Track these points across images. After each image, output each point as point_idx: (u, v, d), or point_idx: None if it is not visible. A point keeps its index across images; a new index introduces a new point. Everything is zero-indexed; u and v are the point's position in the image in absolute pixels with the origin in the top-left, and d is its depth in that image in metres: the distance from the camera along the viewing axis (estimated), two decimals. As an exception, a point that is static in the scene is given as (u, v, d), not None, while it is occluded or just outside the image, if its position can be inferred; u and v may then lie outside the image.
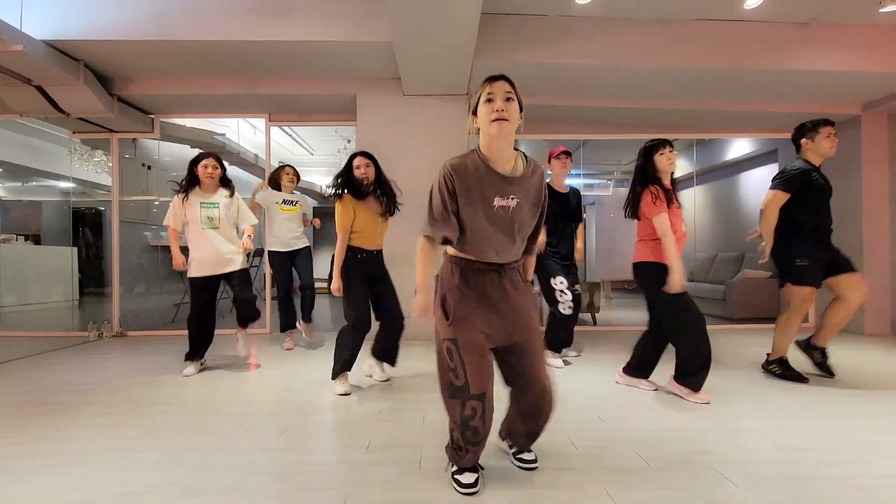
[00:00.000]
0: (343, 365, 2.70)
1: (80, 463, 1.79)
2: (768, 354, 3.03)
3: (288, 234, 3.93)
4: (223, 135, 5.90)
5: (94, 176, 6.06)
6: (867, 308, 4.63)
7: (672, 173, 2.59)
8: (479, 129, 1.51)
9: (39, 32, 3.57)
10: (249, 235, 3.25)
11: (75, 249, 6.79)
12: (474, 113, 1.51)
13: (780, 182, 2.82)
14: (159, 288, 6.07)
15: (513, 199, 1.50)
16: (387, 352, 2.88)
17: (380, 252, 2.84)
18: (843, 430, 2.09)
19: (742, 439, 1.98)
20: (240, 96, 4.46)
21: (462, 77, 3.99)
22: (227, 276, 3.19)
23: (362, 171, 2.73)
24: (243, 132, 6.40)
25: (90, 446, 1.95)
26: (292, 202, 4.01)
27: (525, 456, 1.72)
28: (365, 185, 2.73)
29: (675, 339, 2.51)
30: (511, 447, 1.76)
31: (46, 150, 6.93)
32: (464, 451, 1.55)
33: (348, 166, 2.75)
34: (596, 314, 5.57)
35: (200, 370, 3.26)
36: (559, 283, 3.18)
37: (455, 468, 1.59)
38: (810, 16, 3.73)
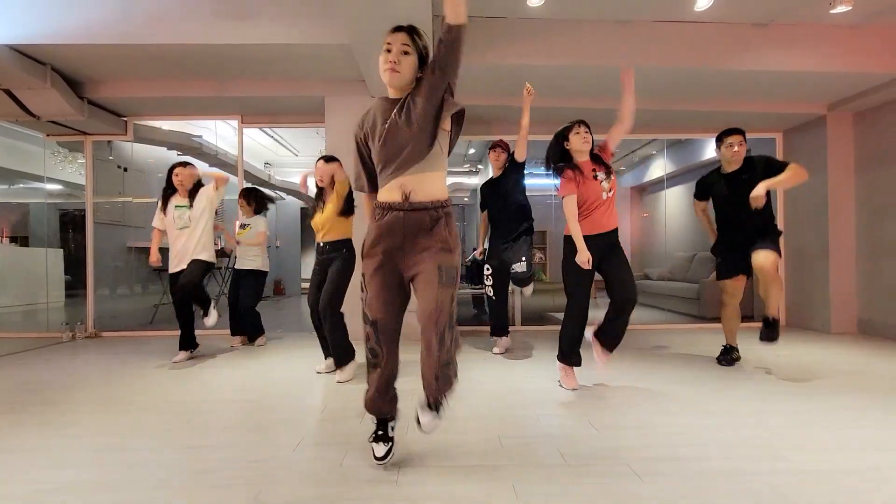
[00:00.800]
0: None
1: (8, 462, 1.83)
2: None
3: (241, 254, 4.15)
4: (200, 136, 5.94)
5: (78, 178, 6.10)
6: (833, 306, 4.66)
7: (591, 150, 2.75)
8: None
9: (4, 37, 3.60)
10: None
11: (61, 251, 6.84)
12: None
13: (695, 192, 3.41)
14: (141, 289, 6.12)
15: (397, 115, 1.58)
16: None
17: (327, 244, 3.06)
18: (771, 426, 2.12)
19: (666, 436, 2.02)
20: (211, 98, 4.51)
21: (426, 79, 4.02)
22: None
23: (319, 174, 3.02)
24: (224, 133, 6.44)
25: (26, 444, 1.99)
26: (244, 225, 4.16)
27: (420, 415, 1.69)
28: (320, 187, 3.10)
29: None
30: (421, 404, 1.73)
31: (32, 152, 6.97)
32: (370, 377, 1.71)
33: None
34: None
35: (190, 358, 3.62)
36: (486, 268, 3.63)
37: (370, 438, 1.74)
38: (768, 16, 3.76)
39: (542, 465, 1.74)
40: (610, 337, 2.66)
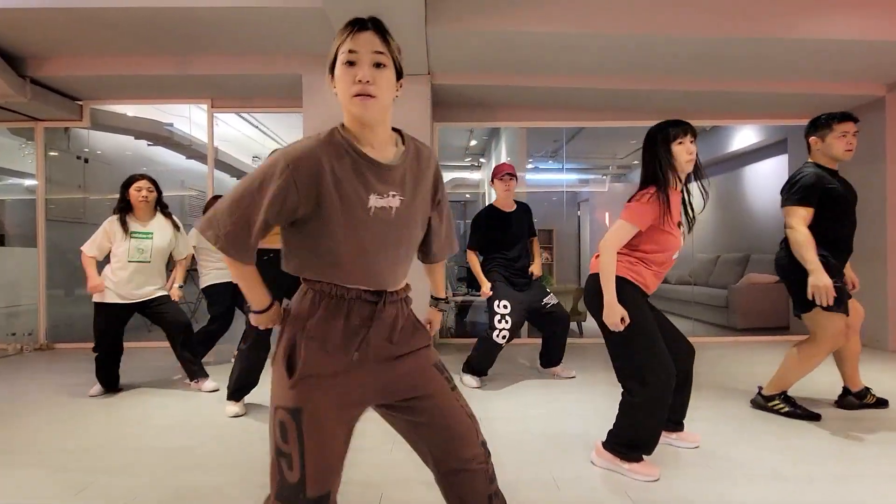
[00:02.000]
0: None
1: None
2: (760, 388, 2.48)
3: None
4: (171, 124, 5.37)
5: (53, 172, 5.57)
6: (892, 320, 4.04)
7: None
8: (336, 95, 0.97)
9: (-83, 0, 3.05)
10: (181, 285, 3.00)
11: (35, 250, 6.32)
12: (332, 72, 0.96)
13: (795, 196, 2.23)
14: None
15: (393, 195, 0.97)
16: None
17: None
18: (860, 495, 1.52)
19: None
20: (175, 78, 3.94)
21: (418, 53, 3.43)
22: (147, 304, 2.82)
23: None
24: (199, 120, 5.85)
25: None
26: None
27: None
28: None
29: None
30: None
31: (5, 145, 6.45)
32: None
33: None
34: (583, 323, 5.01)
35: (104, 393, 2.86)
36: (503, 307, 2.88)
37: None
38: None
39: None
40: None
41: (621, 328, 1.67)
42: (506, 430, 2.22)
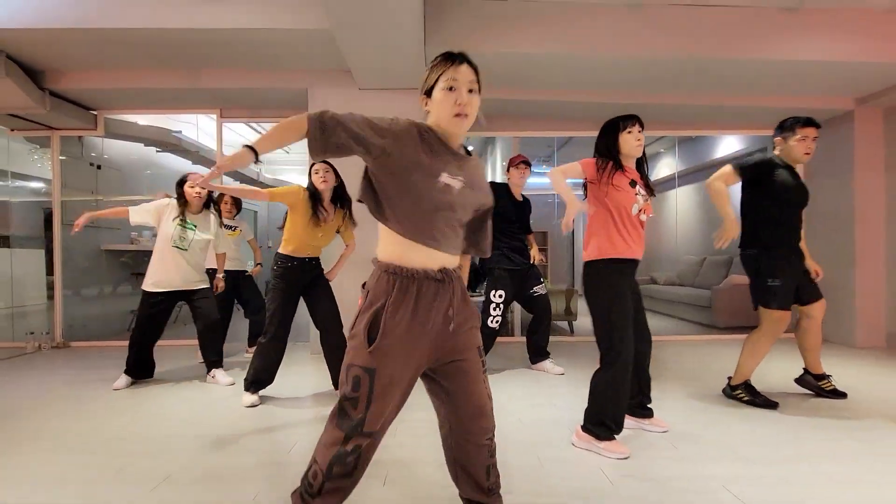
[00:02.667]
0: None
1: None
2: (730, 378, 2.73)
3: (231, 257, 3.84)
4: (180, 132, 5.58)
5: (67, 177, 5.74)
6: (859, 319, 4.30)
7: (643, 162, 2.17)
8: (427, 112, 1.25)
9: (-50, 20, 3.25)
10: (221, 275, 3.35)
11: (42, 252, 6.49)
12: (427, 94, 1.23)
13: (736, 162, 2.55)
14: (114, 294, 5.76)
15: (460, 179, 1.21)
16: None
17: (314, 259, 2.81)
18: (809, 478, 1.77)
19: (696, 494, 1.66)
20: (186, 90, 4.15)
21: (416, 69, 3.66)
22: (189, 294, 3.11)
23: (321, 176, 2.64)
24: (205, 128, 6.07)
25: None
26: (232, 227, 3.95)
27: None
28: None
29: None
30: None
31: (14, 149, 6.62)
32: (315, 496, 1.18)
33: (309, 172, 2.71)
34: (573, 322, 5.26)
35: (132, 385, 3.13)
36: (498, 296, 3.20)
37: None
38: (798, 0, 3.39)
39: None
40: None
41: (568, 226, 1.97)
42: (497, 417, 2.45)
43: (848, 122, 4.35)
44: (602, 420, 1.98)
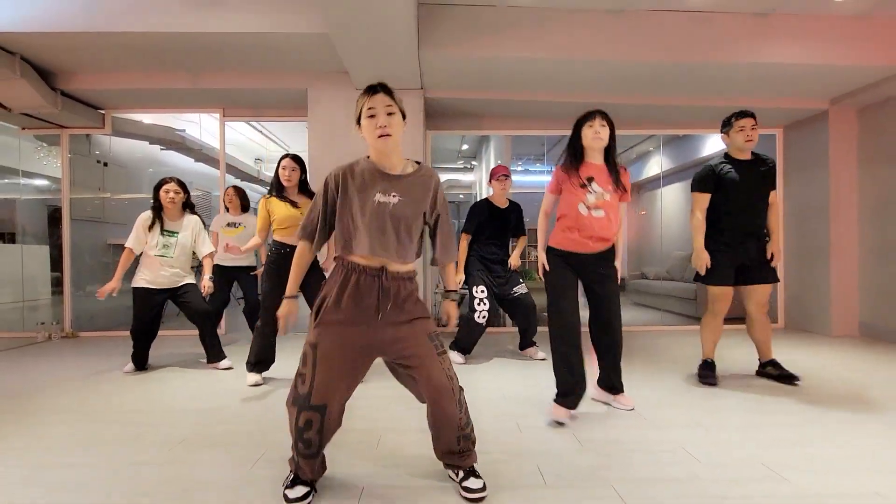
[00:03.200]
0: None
1: (-63, 480, 1.68)
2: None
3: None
4: (183, 130, 5.77)
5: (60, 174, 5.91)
6: (834, 309, 4.51)
7: (612, 155, 2.29)
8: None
9: (-32, 24, 3.44)
10: (210, 277, 3.22)
11: (46, 248, 6.67)
12: (358, 123, 1.52)
13: (693, 186, 2.83)
14: (121, 287, 5.94)
15: (394, 196, 1.49)
16: None
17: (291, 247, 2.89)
18: (768, 442, 1.97)
19: (655, 454, 1.87)
20: (190, 91, 4.34)
21: (411, 71, 3.86)
22: (174, 291, 3.20)
23: (287, 174, 2.84)
24: (208, 126, 6.26)
25: (-40, 460, 1.84)
26: (235, 224, 4.02)
27: (469, 483, 1.50)
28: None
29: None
30: (455, 473, 1.57)
31: (14, 145, 6.79)
32: (297, 462, 1.50)
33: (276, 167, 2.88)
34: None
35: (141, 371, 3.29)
36: (480, 292, 3.35)
37: (286, 483, 1.52)
38: (770, 6, 3.59)
39: (520, 486, 1.59)
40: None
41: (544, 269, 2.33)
42: (484, 393, 2.66)
43: (822, 121, 4.55)
44: (557, 384, 2.28)
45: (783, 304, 5.04)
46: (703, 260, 2.75)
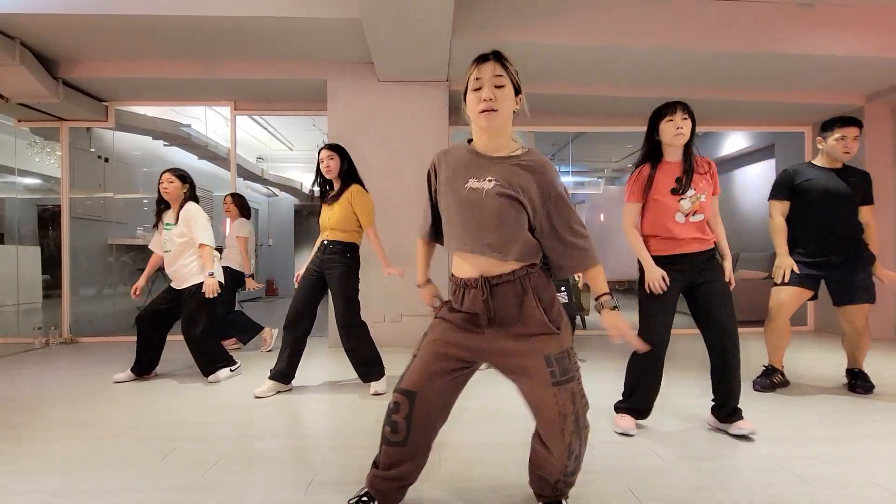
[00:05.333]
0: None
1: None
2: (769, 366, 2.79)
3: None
4: (189, 125, 5.51)
5: (56, 171, 5.63)
6: (870, 311, 4.37)
7: (690, 150, 2.03)
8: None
9: (-36, 4, 3.18)
10: (210, 273, 2.85)
11: (38, 249, 6.35)
12: (465, 98, 1.28)
13: (771, 192, 2.70)
14: (123, 289, 5.65)
15: (490, 180, 1.23)
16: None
17: (332, 243, 2.67)
18: (871, 457, 1.79)
19: (753, 471, 1.68)
20: (201, 81, 4.10)
21: (440, 61, 3.67)
22: (181, 294, 2.95)
23: (325, 164, 2.69)
24: (213, 123, 6.01)
25: (-35, 487, 1.59)
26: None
27: None
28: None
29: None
30: (539, 499, 1.39)
31: (15, 142, 6.49)
32: (382, 452, 1.32)
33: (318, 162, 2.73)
34: (585, 317, 5.27)
35: (134, 380, 2.98)
36: None
37: (354, 499, 1.35)
38: (816, -4, 3.46)
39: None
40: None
41: (656, 288, 1.95)
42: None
43: (859, 117, 4.43)
44: (624, 393, 2.13)
45: (813, 305, 4.91)
46: (785, 266, 2.54)
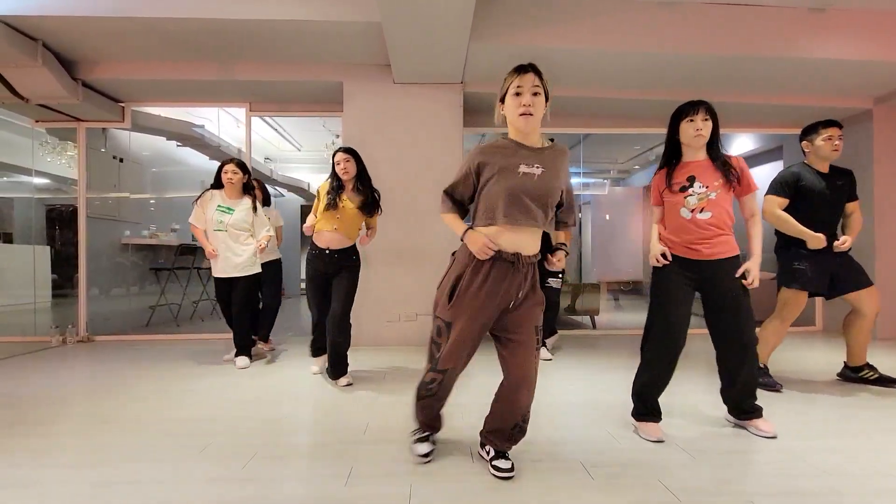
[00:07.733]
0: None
1: (-5, 502, 1.48)
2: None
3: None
4: (202, 126, 5.56)
5: (67, 171, 5.68)
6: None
7: (716, 148, 2.03)
8: (505, 118, 1.60)
9: (-10, 7, 3.23)
10: (266, 241, 3.28)
11: (48, 249, 6.40)
12: (502, 101, 1.59)
13: (771, 188, 2.71)
14: (137, 289, 5.70)
15: (538, 167, 1.55)
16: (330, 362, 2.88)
17: (336, 251, 2.80)
18: (888, 449, 1.84)
19: (777, 464, 1.72)
20: (216, 83, 4.15)
21: (456, 63, 3.72)
22: (234, 282, 3.28)
23: (342, 167, 2.77)
24: (225, 125, 6.06)
25: (7, 476, 1.63)
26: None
27: (499, 463, 1.62)
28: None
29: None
30: (488, 452, 1.70)
31: (17, 143, 6.53)
32: (419, 405, 1.74)
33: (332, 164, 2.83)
34: (595, 317, 5.33)
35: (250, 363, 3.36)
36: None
37: (414, 438, 1.78)
38: (827, 1, 3.51)
39: (654, 503, 1.44)
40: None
41: (655, 262, 2.03)
42: (550, 398, 2.50)
43: (867, 120, 4.49)
44: (635, 397, 2.10)
45: (822, 305, 4.96)
46: (817, 238, 2.55)
